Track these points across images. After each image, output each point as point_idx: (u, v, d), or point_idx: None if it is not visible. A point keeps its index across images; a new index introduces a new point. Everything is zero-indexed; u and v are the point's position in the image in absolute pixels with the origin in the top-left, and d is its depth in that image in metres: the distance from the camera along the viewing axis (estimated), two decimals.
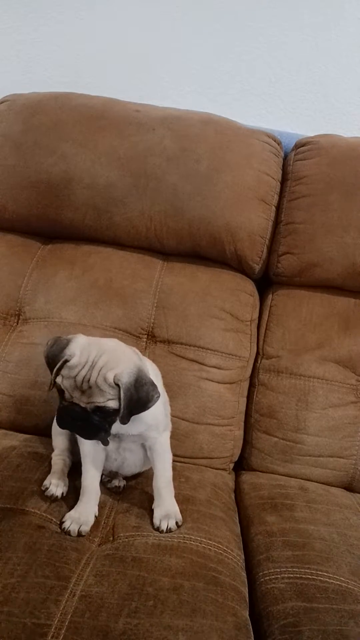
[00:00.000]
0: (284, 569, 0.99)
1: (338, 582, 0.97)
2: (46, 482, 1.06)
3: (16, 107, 1.55)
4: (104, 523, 1.03)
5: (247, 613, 0.90)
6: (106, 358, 0.94)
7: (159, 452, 1.07)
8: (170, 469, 1.09)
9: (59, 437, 1.18)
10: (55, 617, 0.78)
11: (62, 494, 1.05)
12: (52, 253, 1.51)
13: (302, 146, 1.56)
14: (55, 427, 1.20)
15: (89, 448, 1.05)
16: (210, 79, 1.82)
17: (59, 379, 0.95)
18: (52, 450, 1.17)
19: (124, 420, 0.94)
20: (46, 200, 1.48)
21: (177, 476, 1.12)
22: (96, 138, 1.47)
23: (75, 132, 1.48)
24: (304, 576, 0.97)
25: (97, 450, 1.05)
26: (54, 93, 1.58)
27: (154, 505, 1.06)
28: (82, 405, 0.93)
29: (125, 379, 0.93)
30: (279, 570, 0.99)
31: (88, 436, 0.99)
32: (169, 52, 1.80)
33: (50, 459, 1.15)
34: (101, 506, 1.05)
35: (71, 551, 0.92)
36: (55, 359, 0.95)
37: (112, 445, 1.06)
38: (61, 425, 0.97)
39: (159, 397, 0.98)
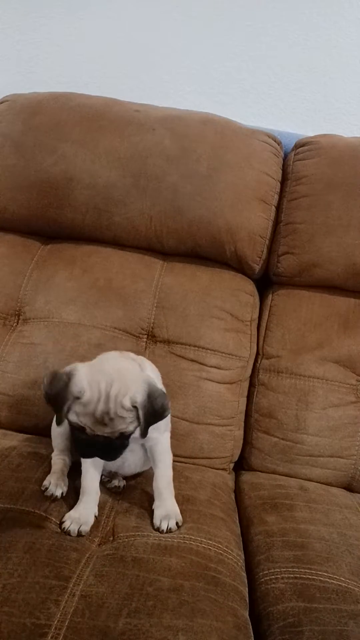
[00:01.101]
0: (284, 569, 0.99)
1: (338, 582, 0.97)
2: (46, 482, 1.06)
3: (16, 107, 1.55)
4: (104, 523, 1.03)
5: (247, 613, 0.90)
6: (117, 385, 0.92)
7: (159, 452, 1.07)
8: (171, 469, 1.09)
9: (59, 437, 1.18)
10: (55, 617, 0.78)
11: (62, 493, 1.05)
12: (52, 253, 1.51)
13: (302, 146, 1.56)
14: (55, 427, 1.20)
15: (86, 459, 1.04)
16: (210, 79, 1.82)
17: (72, 417, 0.93)
18: (52, 450, 1.17)
19: (144, 434, 0.95)
20: (46, 200, 1.48)
21: (177, 476, 1.12)
22: (96, 138, 1.47)
23: (75, 132, 1.48)
24: (304, 576, 0.97)
25: None
26: (54, 93, 1.58)
27: (154, 506, 1.06)
28: (106, 435, 0.93)
29: (140, 398, 0.93)
30: (279, 570, 0.99)
31: (112, 458, 0.98)
32: (169, 52, 1.80)
33: (50, 459, 1.15)
34: (101, 506, 1.05)
35: (71, 551, 0.92)
36: (61, 397, 0.92)
37: None
38: (84, 455, 0.98)
39: (169, 403, 0.98)
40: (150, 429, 1.04)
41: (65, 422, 0.95)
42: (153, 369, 1.14)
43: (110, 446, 0.95)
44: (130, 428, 0.94)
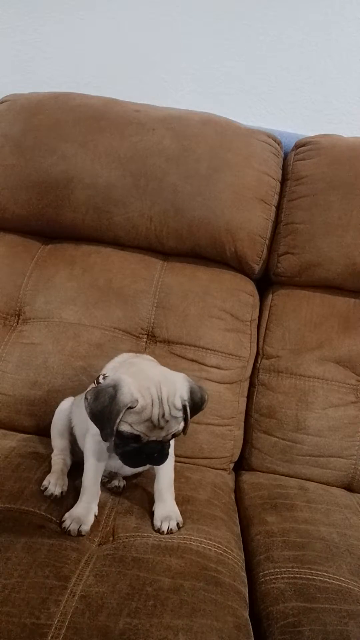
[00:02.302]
0: (284, 569, 0.99)
1: (338, 582, 0.97)
2: (45, 482, 1.07)
3: (16, 107, 1.55)
4: (104, 523, 1.03)
5: (247, 613, 0.90)
6: (166, 387, 0.94)
7: None
8: (173, 470, 1.09)
9: (59, 437, 1.18)
10: (55, 617, 0.78)
11: (62, 493, 1.05)
12: (52, 253, 1.51)
13: (302, 146, 1.56)
14: (55, 427, 1.21)
15: (94, 448, 1.04)
16: (210, 79, 1.82)
17: (125, 427, 0.91)
18: (52, 450, 1.17)
19: (187, 431, 0.97)
20: (46, 200, 1.48)
21: (177, 476, 1.11)
22: (96, 138, 1.47)
23: (75, 132, 1.48)
24: (304, 576, 0.97)
25: (102, 451, 1.04)
26: (54, 93, 1.58)
27: (155, 507, 1.06)
28: (161, 439, 0.94)
29: (186, 396, 0.96)
30: (279, 570, 0.99)
31: (161, 462, 0.99)
32: (169, 52, 1.80)
33: (50, 459, 1.15)
34: (101, 506, 1.05)
35: (71, 551, 0.92)
36: (110, 410, 0.89)
37: None
38: (134, 465, 0.98)
39: (207, 395, 1.01)
40: None
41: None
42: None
43: (162, 450, 0.96)
44: (180, 427, 0.96)
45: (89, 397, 0.93)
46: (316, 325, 1.45)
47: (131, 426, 0.91)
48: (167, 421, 0.93)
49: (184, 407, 0.95)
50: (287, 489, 1.28)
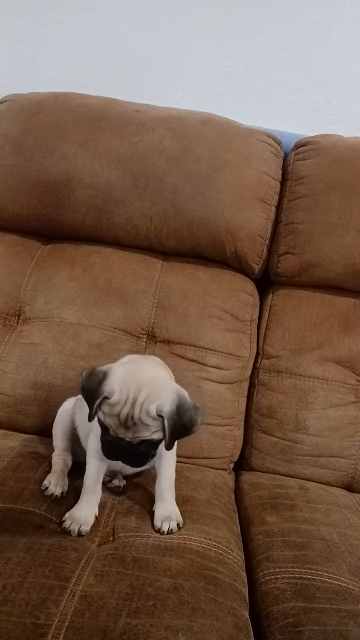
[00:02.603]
0: (284, 569, 0.99)
1: (338, 582, 0.97)
2: (46, 482, 1.07)
3: (16, 107, 1.55)
4: (104, 523, 1.03)
5: (247, 613, 0.90)
6: (146, 392, 0.93)
7: (166, 454, 1.07)
8: (174, 471, 1.09)
9: (59, 437, 1.18)
10: (55, 617, 0.78)
11: (62, 493, 1.05)
12: (52, 253, 1.51)
13: (302, 146, 1.56)
14: (57, 427, 1.20)
15: (97, 448, 1.03)
16: (210, 79, 1.82)
17: (100, 415, 0.94)
18: (52, 450, 1.17)
19: (169, 447, 0.95)
20: (46, 200, 1.48)
21: (177, 476, 1.11)
22: (96, 138, 1.47)
23: (75, 132, 1.48)
24: (304, 576, 0.97)
25: None
26: (54, 93, 1.58)
27: (155, 507, 1.05)
28: (128, 439, 0.94)
29: (168, 408, 0.93)
30: (279, 570, 0.99)
31: (135, 465, 0.99)
32: (169, 52, 1.80)
33: (50, 458, 1.15)
34: (101, 506, 1.05)
35: (71, 551, 0.92)
36: (93, 393, 0.94)
37: None
38: (108, 457, 0.98)
39: (202, 419, 0.98)
40: None
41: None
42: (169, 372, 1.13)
43: (133, 452, 0.95)
44: (154, 437, 0.94)
45: (83, 374, 0.98)
46: (316, 325, 1.45)
47: (104, 415, 0.94)
48: (135, 424, 0.92)
49: (161, 417, 0.92)
50: (287, 489, 1.28)
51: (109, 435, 0.95)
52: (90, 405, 0.94)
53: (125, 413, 0.92)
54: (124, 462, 0.99)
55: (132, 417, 0.92)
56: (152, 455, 0.99)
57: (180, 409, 0.94)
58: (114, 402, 0.92)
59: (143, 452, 0.96)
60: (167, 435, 0.93)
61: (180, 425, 0.94)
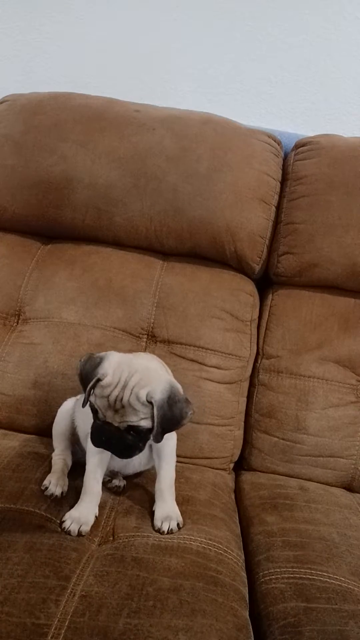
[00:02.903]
0: (284, 569, 0.99)
1: (338, 582, 0.97)
2: (46, 482, 1.06)
3: (16, 107, 1.55)
4: (104, 523, 1.03)
5: (247, 613, 0.90)
6: (138, 377, 0.94)
7: (166, 454, 1.07)
8: (174, 470, 1.09)
9: (61, 438, 1.18)
10: (55, 617, 0.78)
11: (62, 493, 1.05)
12: (52, 253, 1.51)
13: (302, 146, 1.56)
14: (57, 428, 1.20)
15: (97, 447, 1.04)
16: (210, 79, 1.82)
17: (92, 398, 0.95)
18: (52, 450, 1.17)
19: (158, 439, 0.95)
20: (46, 200, 1.48)
21: (177, 476, 1.11)
22: (96, 138, 1.47)
23: (75, 132, 1.48)
24: (304, 576, 0.97)
25: (105, 451, 1.04)
26: (54, 93, 1.58)
27: (155, 507, 1.05)
28: (115, 424, 0.94)
29: (158, 396, 0.93)
30: (279, 570, 0.99)
31: (122, 455, 0.98)
32: (169, 52, 1.80)
33: (50, 459, 1.15)
34: (101, 506, 1.05)
35: (71, 551, 0.92)
36: (88, 377, 0.96)
37: None
38: (95, 443, 0.97)
39: (192, 413, 0.98)
40: None
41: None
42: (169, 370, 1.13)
43: (121, 440, 0.95)
44: (142, 424, 0.94)
45: (82, 359, 1.00)
46: (316, 325, 1.45)
47: (95, 398, 0.95)
48: (123, 407, 0.93)
49: (151, 404, 0.93)
50: (287, 489, 1.28)
51: (98, 420, 0.96)
52: (86, 388, 0.96)
53: (115, 395, 0.93)
54: (110, 450, 0.98)
55: (122, 399, 0.93)
56: (140, 449, 0.97)
57: (171, 399, 0.94)
58: (106, 384, 0.94)
59: (130, 440, 0.95)
60: (155, 423, 0.93)
61: (170, 416, 0.94)
